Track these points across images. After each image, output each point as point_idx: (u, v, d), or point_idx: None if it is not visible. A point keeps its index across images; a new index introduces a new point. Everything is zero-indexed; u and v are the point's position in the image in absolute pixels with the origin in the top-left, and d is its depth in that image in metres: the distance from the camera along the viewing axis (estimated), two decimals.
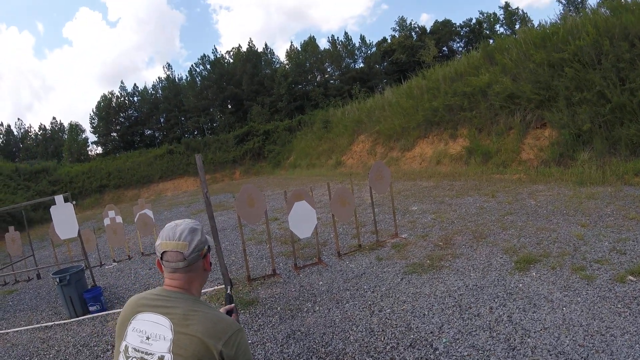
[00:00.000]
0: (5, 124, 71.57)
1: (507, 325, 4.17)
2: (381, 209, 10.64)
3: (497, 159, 14.19)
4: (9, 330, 6.90)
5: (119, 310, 6.74)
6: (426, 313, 4.68)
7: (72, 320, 6.83)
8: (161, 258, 1.81)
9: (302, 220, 7.01)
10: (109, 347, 5.38)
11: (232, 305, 2.29)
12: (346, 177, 19.73)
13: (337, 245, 7.55)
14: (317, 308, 5.33)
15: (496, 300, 4.71)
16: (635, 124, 10.85)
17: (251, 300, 5.96)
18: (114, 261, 10.84)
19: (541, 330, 3.98)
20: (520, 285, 5.00)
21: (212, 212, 4.62)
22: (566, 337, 3.78)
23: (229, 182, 37.31)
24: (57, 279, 6.86)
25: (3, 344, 6.34)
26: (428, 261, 6.40)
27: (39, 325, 6.91)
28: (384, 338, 4.31)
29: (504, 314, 4.39)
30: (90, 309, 6.97)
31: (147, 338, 1.65)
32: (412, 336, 4.25)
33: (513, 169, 13.09)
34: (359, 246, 7.73)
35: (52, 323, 6.87)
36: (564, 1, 51.53)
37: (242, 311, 5.56)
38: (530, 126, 14.11)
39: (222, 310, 2.12)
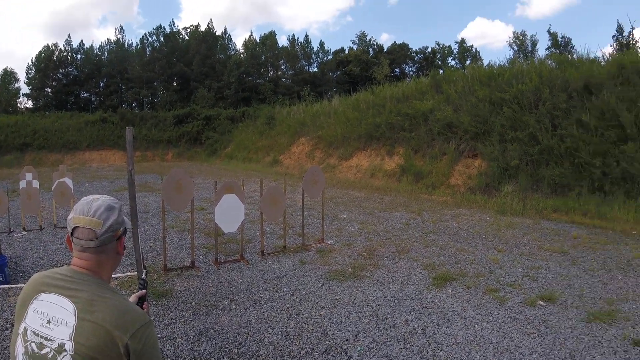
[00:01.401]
0: None
1: (420, 337, 4.29)
2: (310, 213, 10.61)
3: (427, 180, 14.96)
4: None
5: (22, 285, 6.34)
6: (343, 320, 4.71)
7: None
8: (71, 234, 1.63)
9: (230, 214, 6.83)
10: (8, 325, 4.92)
11: (144, 291, 2.10)
12: (281, 177, 19.69)
13: (262, 244, 7.44)
14: (234, 307, 5.20)
15: (412, 313, 4.84)
16: (559, 167, 11.95)
17: (165, 291, 5.67)
18: (24, 230, 9.84)
19: (453, 344, 4.12)
20: (436, 300, 5.18)
21: (135, 192, 4.31)
22: (477, 352, 3.95)
23: (160, 163, 36.00)
24: None
25: None
26: (350, 269, 6.46)
27: None
28: (299, 342, 4.30)
29: (418, 326, 4.52)
30: None
31: (48, 322, 1.49)
32: (327, 342, 4.27)
33: (441, 192, 13.90)
34: (283, 247, 7.68)
35: None
36: (515, 48, 55.08)
37: (154, 302, 5.28)
38: (462, 154, 15.07)
39: (134, 296, 1.96)
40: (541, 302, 5.08)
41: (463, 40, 65.18)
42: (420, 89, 20.25)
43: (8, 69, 64.15)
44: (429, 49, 66.57)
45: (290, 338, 4.38)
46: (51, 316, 1.49)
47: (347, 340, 4.30)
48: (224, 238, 8.34)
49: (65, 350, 1.43)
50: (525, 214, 10.65)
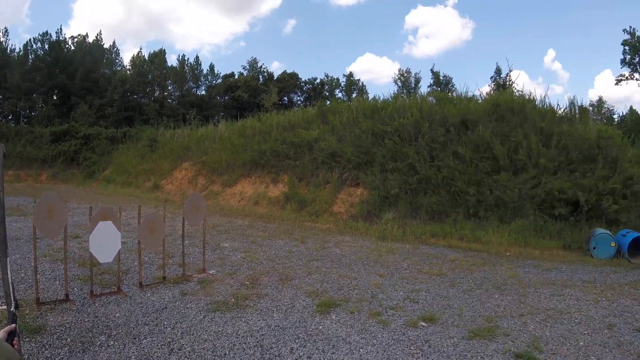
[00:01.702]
0: None
1: None
2: (191, 242, 10.34)
3: (311, 208, 15.25)
4: None
5: None
6: (227, 352, 4.62)
7: None
8: None
9: (105, 242, 6.45)
10: None
11: (14, 325, 1.85)
12: (161, 203, 19.13)
13: (140, 275, 7.17)
14: (112, 342, 4.93)
15: (297, 341, 4.85)
16: (436, 195, 12.94)
17: (38, 327, 5.21)
18: None
19: None
20: (321, 327, 5.24)
21: (4, 216, 3.93)
22: None
23: (33, 184, 33.25)
24: None
25: None
26: (233, 299, 6.39)
27: None
28: None
29: (304, 354, 4.55)
30: None
31: None
32: None
33: (324, 219, 14.20)
34: (163, 278, 7.41)
35: None
36: (400, 84, 58.39)
37: (26, 339, 4.85)
38: (345, 183, 15.67)
39: (3, 331, 1.74)
40: (423, 323, 5.35)
41: (351, 74, 67.54)
42: (306, 119, 20.68)
43: None
44: (318, 80, 68.14)
45: None
46: None
47: None
48: (99, 269, 7.87)
49: None
50: (405, 239, 11.27)
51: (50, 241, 10.08)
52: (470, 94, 17.97)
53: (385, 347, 4.68)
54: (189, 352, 4.65)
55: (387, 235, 11.57)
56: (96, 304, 6.22)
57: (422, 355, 4.48)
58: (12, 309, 2.40)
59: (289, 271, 7.95)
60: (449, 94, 19.80)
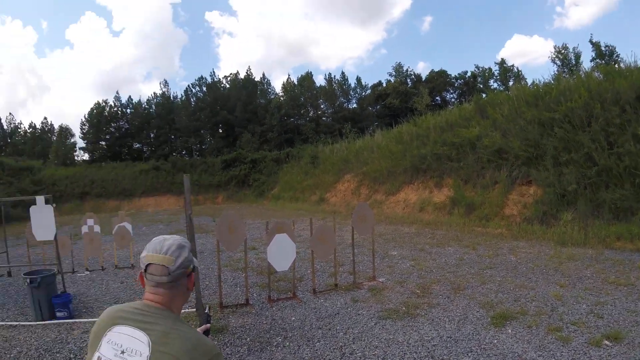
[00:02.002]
0: None
1: None
2: (360, 251, 10.40)
3: (480, 212, 14.21)
4: None
5: (85, 320, 6.70)
6: None
7: (37, 323, 6.66)
8: (145, 270, 1.73)
9: (281, 252, 6.87)
10: (71, 355, 5.26)
11: (209, 325, 2.22)
12: (328, 215, 19.64)
13: (314, 282, 7.43)
14: (287, 344, 5.16)
15: (470, 355, 4.57)
16: (620, 189, 11.06)
17: (222, 327, 5.76)
18: (87, 270, 10.54)
19: None
20: (495, 341, 4.88)
21: (194, 234, 4.50)
22: None
23: (211, 206, 37.00)
24: (28, 280, 6.73)
25: None
26: (404, 308, 6.23)
27: (3, 323, 6.78)
28: None
29: None
30: (58, 314, 6.78)
31: (122, 352, 1.56)
32: None
33: (495, 223, 13.12)
34: (335, 285, 7.58)
35: (17, 323, 6.73)
36: (558, 63, 52.61)
37: (211, 337, 5.32)
38: (515, 182, 14.23)
39: (200, 329, 2.04)
40: (607, 342, 4.70)
41: (503, 61, 63.56)
42: (464, 116, 19.76)
43: (63, 126, 68.77)
44: (469, 74, 65.51)
45: None
46: (125, 347, 1.56)
47: None
48: (276, 276, 8.40)
49: None
50: (587, 243, 9.98)
51: (230, 253, 11.10)
52: None
53: None
54: (360, 358, 4.67)
55: (566, 239, 10.38)
56: (273, 308, 6.62)
57: None
58: (206, 311, 2.53)
59: (461, 280, 7.60)
60: (616, 66, 17.53)
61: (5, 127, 71.87)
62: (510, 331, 5.13)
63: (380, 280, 7.97)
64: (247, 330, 5.71)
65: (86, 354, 4.76)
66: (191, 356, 1.52)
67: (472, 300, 6.40)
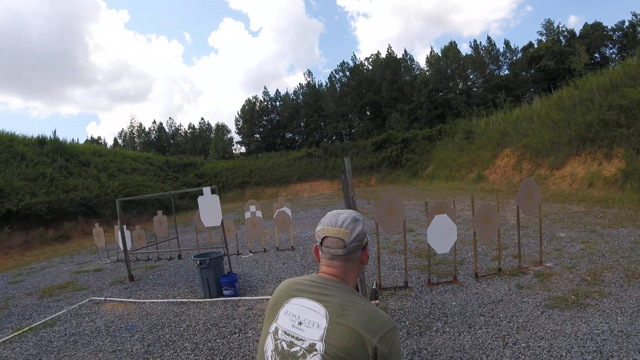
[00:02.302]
0: (157, 122, 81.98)
1: None
2: (525, 232, 9.94)
3: None
4: (146, 301, 7.72)
5: (250, 297, 7.32)
6: (564, 354, 4.21)
7: (205, 300, 7.41)
8: (320, 244, 1.81)
9: (442, 234, 6.71)
10: (236, 330, 5.75)
11: (377, 301, 2.27)
12: (488, 193, 19.12)
13: (476, 266, 7.14)
14: (447, 329, 5.08)
15: None
16: None
17: (381, 308, 5.75)
18: (250, 252, 11.52)
19: None
20: None
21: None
22: None
23: (365, 189, 37.61)
24: (198, 262, 7.40)
25: (139, 311, 7.09)
26: (572, 296, 5.76)
27: (174, 300, 7.64)
28: None
29: None
30: (224, 292, 7.46)
31: (300, 323, 1.65)
32: None
33: None
34: (498, 270, 7.25)
35: (187, 300, 7.53)
36: None
37: None
38: None
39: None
40: None
41: None
42: (629, 73, 17.48)
43: (219, 124, 75.92)
44: (627, 23, 57.82)
45: None
46: (303, 318, 1.65)
47: None
48: (435, 259, 8.39)
49: (315, 350, 1.56)
50: None
51: (387, 235, 11.43)
52: None
53: None
54: (524, 349, 4.43)
55: None
56: (433, 292, 6.52)
57: None
58: (373, 287, 2.64)
59: (636, 266, 6.82)
60: None
61: (167, 130, 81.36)
62: None
63: (548, 265, 7.45)
64: (406, 313, 5.72)
65: (250, 329, 5.56)
66: (367, 328, 1.55)
67: None
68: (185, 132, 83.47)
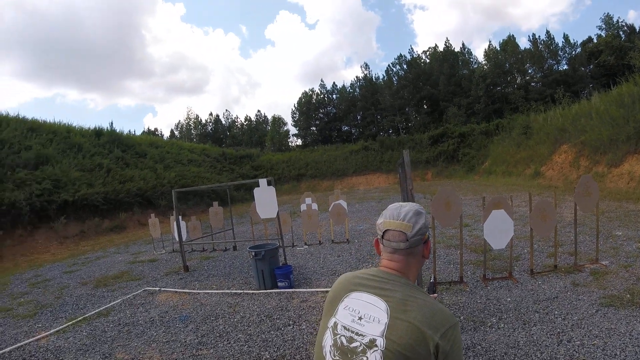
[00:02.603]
0: (214, 114, 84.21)
1: None
2: (581, 230, 9.72)
3: None
4: (200, 291, 7.85)
5: (305, 290, 7.42)
6: (618, 353, 4.16)
7: (260, 291, 7.48)
8: (382, 237, 1.79)
9: (499, 230, 6.63)
10: (290, 322, 5.79)
11: (435, 295, 2.18)
12: (545, 189, 19.17)
13: (531, 262, 7.08)
14: (502, 325, 5.08)
15: None
16: None
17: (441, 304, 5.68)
18: (305, 244, 11.62)
19: None
20: None
21: None
22: None
23: (421, 183, 37.52)
24: (253, 253, 7.44)
25: (193, 302, 7.21)
26: (628, 295, 5.67)
27: (229, 290, 7.73)
28: None
29: None
30: (279, 284, 7.51)
31: (360, 318, 1.62)
32: None
33: None
34: (554, 267, 7.14)
35: (242, 291, 7.59)
36: None
37: None
38: None
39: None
40: None
41: None
42: None
43: (276, 116, 77.63)
44: None
45: None
46: (363, 313, 1.63)
47: None
48: (491, 254, 8.35)
49: (376, 345, 1.54)
50: None
51: (442, 229, 11.56)
52: None
53: None
54: (578, 347, 4.40)
55: None
56: (488, 288, 6.53)
57: None
58: (431, 280, 2.76)
59: None
60: None
61: (224, 122, 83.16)
62: None
63: (604, 263, 7.30)
64: (461, 308, 5.72)
65: (304, 321, 5.96)
66: (429, 324, 1.53)
67: None
68: (242, 124, 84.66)
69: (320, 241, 11.83)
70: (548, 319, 5.19)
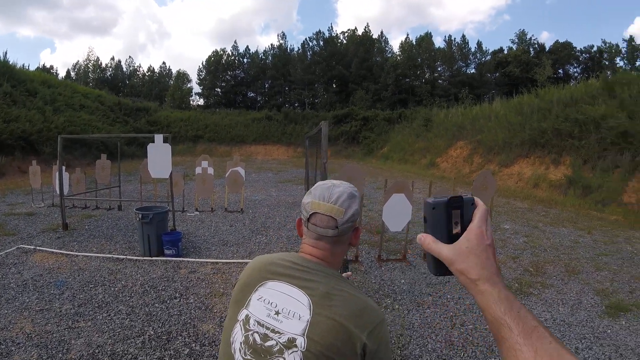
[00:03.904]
0: (116, 59, 77.61)
1: None
2: None
3: (597, 195, 13.45)
4: (79, 254, 7.18)
5: (193, 259, 7.05)
6: None
7: (144, 258, 6.98)
8: (307, 220, 1.49)
9: (397, 213, 6.74)
10: (176, 294, 5.46)
11: (349, 273, 2.00)
12: (438, 180, 19.63)
13: None
14: (397, 306, 5.22)
15: (583, 342, 4.49)
16: None
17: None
18: (197, 210, 11.15)
19: None
20: (609, 331, 4.73)
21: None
22: None
23: (318, 160, 37.23)
24: (140, 215, 6.90)
25: (70, 265, 6.58)
26: (516, 284, 6.16)
27: (110, 255, 7.15)
28: (463, 355, 4.15)
29: (589, 356, 4.20)
30: (166, 251, 7.05)
31: (277, 313, 1.36)
32: (493, 359, 4.09)
33: (612, 210, 12.37)
34: None
35: (124, 257, 7.05)
36: None
37: None
38: (638, 168, 13.36)
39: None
40: None
41: (632, 38, 57.11)
42: (590, 92, 18.49)
43: (181, 71, 73.80)
44: (595, 48, 60.90)
45: (454, 348, 4.28)
46: (281, 307, 1.37)
47: None
48: (385, 236, 8.25)
49: (295, 345, 1.30)
50: None
51: None
52: None
53: None
54: (471, 330, 4.61)
55: None
56: (382, 269, 6.71)
57: None
58: (344, 258, 2.41)
59: (575, 263, 7.31)
60: None
61: (125, 69, 77.92)
62: (624, 323, 4.98)
63: None
64: (357, 287, 5.70)
65: (192, 294, 5.33)
66: (355, 322, 1.31)
67: (586, 286, 6.21)
68: (144, 75, 79.13)
69: (212, 208, 11.37)
70: (441, 302, 5.41)
